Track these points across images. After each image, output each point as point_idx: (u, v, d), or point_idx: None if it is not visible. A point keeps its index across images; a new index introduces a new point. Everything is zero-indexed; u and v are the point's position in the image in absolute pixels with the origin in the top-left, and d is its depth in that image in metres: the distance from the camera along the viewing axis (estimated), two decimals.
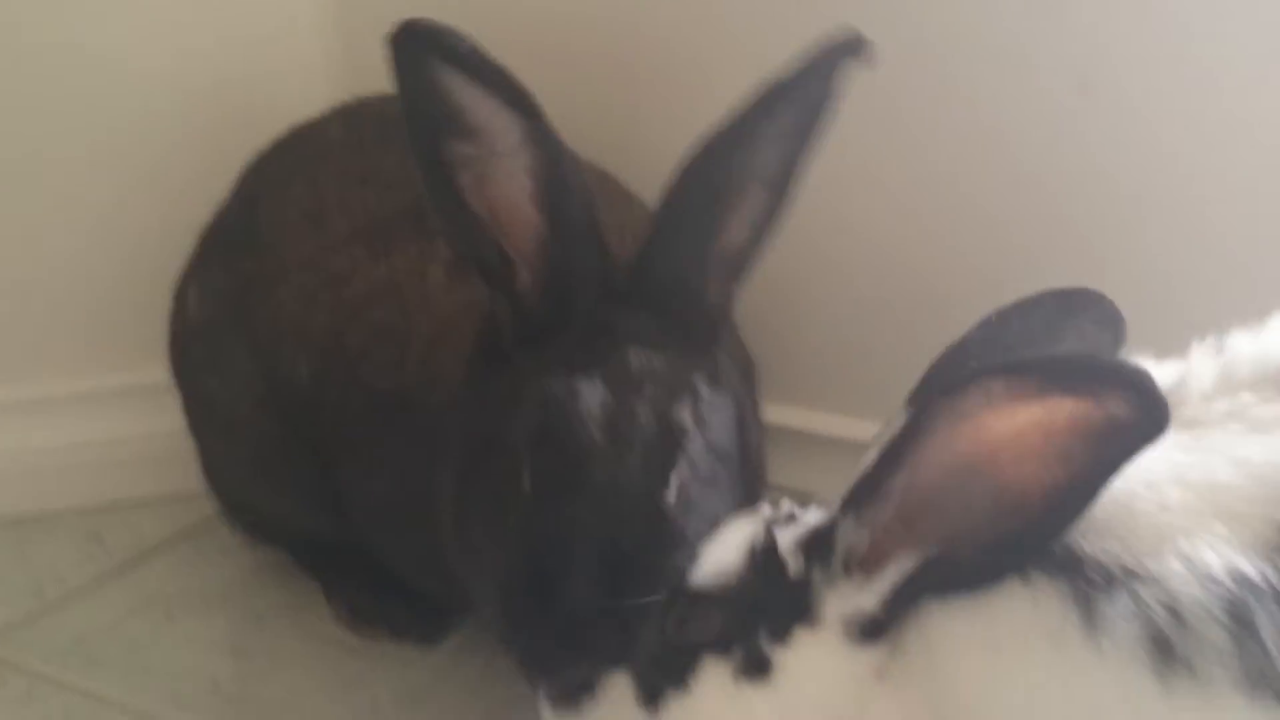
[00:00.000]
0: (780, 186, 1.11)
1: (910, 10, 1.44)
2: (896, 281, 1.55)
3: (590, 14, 1.63)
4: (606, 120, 1.60)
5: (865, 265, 1.57)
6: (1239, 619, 0.77)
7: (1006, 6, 1.42)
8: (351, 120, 1.51)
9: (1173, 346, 0.92)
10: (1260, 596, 0.77)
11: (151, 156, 1.69)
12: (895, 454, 0.84)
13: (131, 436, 1.71)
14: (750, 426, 1.17)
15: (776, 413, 1.36)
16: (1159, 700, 0.78)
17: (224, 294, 1.47)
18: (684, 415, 1.07)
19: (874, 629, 0.88)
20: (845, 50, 1.08)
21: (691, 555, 0.97)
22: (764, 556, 0.92)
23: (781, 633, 0.90)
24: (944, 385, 0.86)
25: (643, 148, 1.37)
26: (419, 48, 1.03)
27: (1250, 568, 0.77)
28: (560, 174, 1.07)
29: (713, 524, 0.99)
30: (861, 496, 0.87)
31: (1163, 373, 0.89)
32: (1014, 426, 0.80)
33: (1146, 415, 0.78)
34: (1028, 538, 0.82)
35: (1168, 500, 0.82)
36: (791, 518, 0.94)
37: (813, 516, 0.94)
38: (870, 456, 0.87)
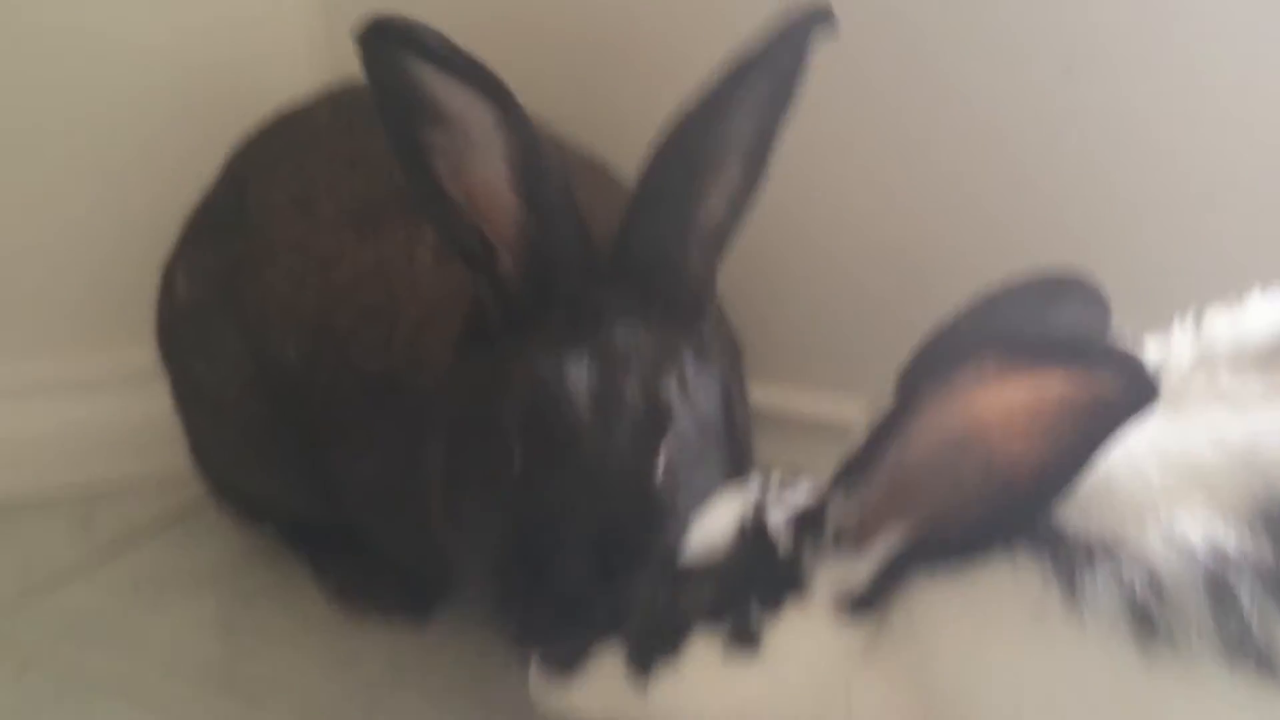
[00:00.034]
0: (756, 158, 1.11)
1: None
2: (878, 259, 1.54)
3: None
4: (586, 101, 1.60)
5: (847, 244, 1.56)
6: (1218, 591, 0.78)
7: None
8: (340, 104, 1.51)
9: (1161, 330, 0.94)
10: (1238, 569, 0.78)
11: (138, 140, 1.68)
12: (887, 430, 0.86)
13: (120, 418, 1.71)
14: (737, 402, 1.18)
15: (759, 391, 1.36)
16: (1140, 671, 0.80)
17: (212, 276, 1.46)
18: (670, 391, 1.08)
19: (862, 603, 0.90)
20: (814, 19, 1.09)
21: (682, 530, 0.98)
22: (755, 530, 0.93)
23: (772, 606, 0.91)
24: (935, 362, 0.87)
25: (621, 126, 1.37)
26: (388, 43, 1.04)
27: (1228, 541, 0.79)
28: (536, 159, 1.08)
29: (702, 498, 1.01)
30: (853, 472, 0.88)
31: (1145, 351, 0.91)
32: (1004, 403, 0.82)
33: (1136, 392, 0.79)
34: (1016, 513, 0.84)
35: (1147, 475, 0.83)
36: (782, 491, 0.96)
37: (803, 491, 0.95)
38: (860, 432, 0.88)
